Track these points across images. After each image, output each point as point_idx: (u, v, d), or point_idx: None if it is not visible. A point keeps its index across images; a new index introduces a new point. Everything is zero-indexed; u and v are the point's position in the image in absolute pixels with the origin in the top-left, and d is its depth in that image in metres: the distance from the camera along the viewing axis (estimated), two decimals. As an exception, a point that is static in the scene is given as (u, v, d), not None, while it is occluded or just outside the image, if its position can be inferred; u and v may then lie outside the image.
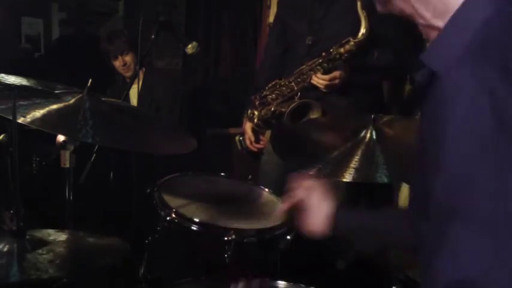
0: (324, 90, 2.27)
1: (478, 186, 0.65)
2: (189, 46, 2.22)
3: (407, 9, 0.79)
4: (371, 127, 1.72)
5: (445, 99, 0.70)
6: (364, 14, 2.09)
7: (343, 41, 2.18)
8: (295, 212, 1.24)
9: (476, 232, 0.64)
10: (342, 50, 2.19)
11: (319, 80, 2.24)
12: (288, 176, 2.27)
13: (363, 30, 2.12)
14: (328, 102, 2.30)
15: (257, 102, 2.44)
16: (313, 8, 2.35)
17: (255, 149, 2.61)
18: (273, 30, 2.70)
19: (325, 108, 2.29)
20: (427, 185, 0.72)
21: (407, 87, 2.75)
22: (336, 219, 1.18)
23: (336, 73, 2.23)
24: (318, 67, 2.25)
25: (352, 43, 2.16)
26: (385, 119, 1.84)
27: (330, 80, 2.23)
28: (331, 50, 2.21)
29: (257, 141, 2.59)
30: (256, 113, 2.45)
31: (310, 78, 2.27)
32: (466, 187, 0.66)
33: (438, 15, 0.75)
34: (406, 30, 2.35)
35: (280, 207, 1.31)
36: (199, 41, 2.29)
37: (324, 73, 2.24)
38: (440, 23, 0.76)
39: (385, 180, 1.56)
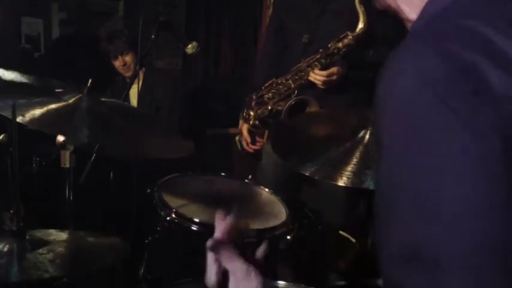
0: (322, 87, 2.25)
1: (409, 165, 0.64)
2: (189, 46, 2.22)
3: (392, 4, 0.85)
4: (371, 127, 1.71)
5: (381, 83, 0.71)
6: (362, 8, 2.08)
7: (341, 36, 2.17)
8: None
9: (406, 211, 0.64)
10: (340, 44, 2.18)
11: (317, 76, 2.23)
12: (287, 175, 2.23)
13: (361, 25, 2.12)
14: (326, 99, 2.29)
15: (253, 103, 2.43)
16: (310, 7, 2.34)
17: (251, 150, 2.60)
18: (270, 28, 2.68)
19: (323, 105, 2.28)
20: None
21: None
22: None
23: (334, 69, 2.22)
24: (316, 63, 2.23)
25: (350, 37, 2.15)
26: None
27: (328, 76, 2.21)
28: (329, 45, 2.19)
29: (253, 142, 2.57)
30: (252, 113, 2.43)
31: (308, 75, 2.25)
32: (399, 165, 0.66)
33: (414, 8, 0.80)
34: (405, 29, 2.37)
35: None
36: (199, 41, 2.28)
37: (322, 69, 2.22)
38: (415, 17, 0.80)
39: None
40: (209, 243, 0.89)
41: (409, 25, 0.83)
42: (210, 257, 0.90)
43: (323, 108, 2.27)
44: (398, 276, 0.65)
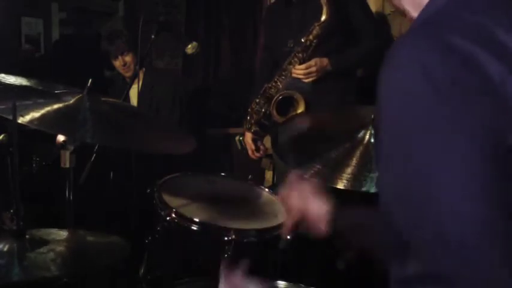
0: (306, 80, 2.38)
1: (434, 184, 0.65)
2: (189, 46, 2.23)
3: (399, 5, 0.89)
4: (370, 127, 1.71)
5: (382, 75, 0.72)
6: (325, 1, 2.23)
7: (310, 29, 2.30)
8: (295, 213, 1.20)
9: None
10: (310, 37, 2.32)
11: (297, 70, 2.37)
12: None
13: (324, 15, 2.26)
14: (317, 92, 2.40)
15: (254, 115, 2.56)
16: (292, 14, 2.47)
17: (256, 158, 2.71)
18: (260, 46, 2.87)
19: (307, 98, 2.40)
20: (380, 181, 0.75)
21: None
22: (334, 217, 1.14)
23: (311, 61, 2.36)
24: (295, 59, 2.38)
25: (317, 27, 2.28)
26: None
27: (307, 68, 2.35)
28: (303, 40, 2.33)
29: (257, 150, 2.66)
30: (253, 122, 2.57)
31: (291, 72, 2.39)
32: (421, 185, 0.67)
33: (416, 8, 0.83)
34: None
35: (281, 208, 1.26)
36: (199, 41, 2.29)
37: (301, 64, 2.37)
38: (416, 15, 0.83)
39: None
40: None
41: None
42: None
43: (307, 103, 2.40)
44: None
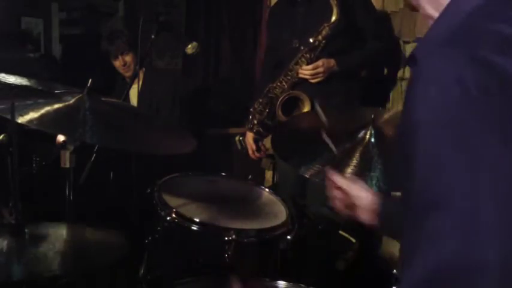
0: (312, 81, 2.36)
1: (449, 182, 0.67)
2: (189, 46, 2.23)
3: (414, 2, 0.89)
4: (370, 127, 1.70)
5: (415, 88, 0.73)
6: (335, 2, 2.22)
7: (320, 29, 2.29)
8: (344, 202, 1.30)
9: (449, 224, 0.67)
10: (319, 37, 2.30)
11: (304, 71, 2.35)
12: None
13: (334, 16, 2.24)
14: (322, 93, 2.36)
15: (257, 115, 2.55)
16: (296, 13, 2.45)
17: (256, 158, 2.70)
18: (265, 50, 2.86)
19: (313, 98, 2.36)
20: (403, 178, 0.76)
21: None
22: (380, 207, 1.22)
23: (319, 62, 2.34)
24: (302, 59, 2.36)
25: (327, 28, 2.27)
26: (386, 116, 1.81)
27: (314, 68, 2.33)
28: (311, 41, 2.31)
29: (258, 150, 2.66)
30: (255, 122, 2.56)
31: (297, 73, 2.37)
32: (438, 180, 0.68)
33: (434, 6, 0.84)
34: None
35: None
36: (199, 41, 2.29)
37: (308, 64, 2.35)
38: (435, 13, 0.83)
39: (384, 189, 1.54)
40: None
41: (428, 21, 0.85)
42: None
43: (312, 103, 2.36)
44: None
